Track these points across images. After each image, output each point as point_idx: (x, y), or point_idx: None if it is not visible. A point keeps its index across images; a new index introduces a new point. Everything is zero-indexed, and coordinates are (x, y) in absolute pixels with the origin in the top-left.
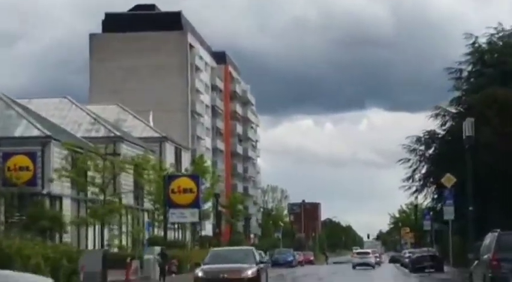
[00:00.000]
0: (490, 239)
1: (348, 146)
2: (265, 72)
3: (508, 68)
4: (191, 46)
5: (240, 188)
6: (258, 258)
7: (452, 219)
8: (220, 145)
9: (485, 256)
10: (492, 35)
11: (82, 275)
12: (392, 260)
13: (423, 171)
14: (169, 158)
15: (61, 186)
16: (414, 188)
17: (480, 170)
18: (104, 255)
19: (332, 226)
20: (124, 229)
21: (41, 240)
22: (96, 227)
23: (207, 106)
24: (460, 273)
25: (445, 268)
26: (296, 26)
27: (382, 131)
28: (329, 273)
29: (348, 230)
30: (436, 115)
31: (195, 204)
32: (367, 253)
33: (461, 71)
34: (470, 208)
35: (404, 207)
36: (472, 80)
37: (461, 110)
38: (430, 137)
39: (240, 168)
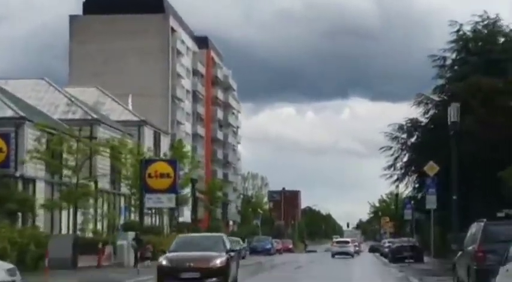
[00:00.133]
0: (475, 229)
1: (330, 134)
2: (248, 60)
3: (492, 57)
4: (173, 30)
5: (220, 175)
6: (228, 246)
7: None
8: (201, 131)
9: (470, 247)
10: (477, 23)
11: (47, 260)
12: (372, 250)
13: (405, 159)
14: (148, 142)
15: (35, 169)
16: (395, 177)
17: (463, 158)
18: (74, 240)
19: (312, 214)
20: (100, 213)
21: (8, 224)
22: (71, 211)
23: (187, 91)
24: (440, 264)
25: (425, 259)
26: (280, 16)
27: (364, 120)
28: (307, 261)
29: (328, 218)
30: (419, 103)
31: (172, 189)
32: (347, 242)
33: (445, 58)
34: (454, 197)
35: (384, 196)
36: (456, 68)
37: (445, 98)
38: (413, 125)
39: (220, 154)
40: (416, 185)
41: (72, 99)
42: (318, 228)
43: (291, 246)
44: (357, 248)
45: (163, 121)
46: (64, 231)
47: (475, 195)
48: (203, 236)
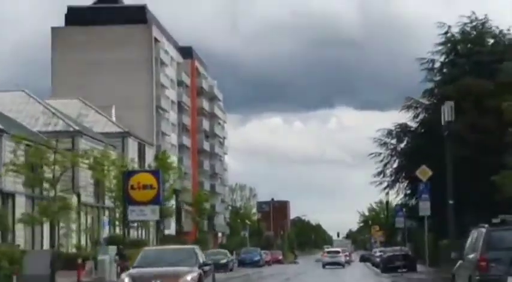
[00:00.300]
0: (476, 235)
1: (317, 144)
2: (233, 70)
3: (481, 58)
4: (156, 40)
5: (207, 186)
6: (201, 259)
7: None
8: (187, 141)
9: (471, 256)
10: (465, 24)
11: (15, 278)
12: (363, 259)
13: (395, 165)
14: (132, 154)
15: (13, 183)
16: (385, 184)
17: (454, 162)
18: (52, 255)
19: (301, 225)
20: (83, 228)
21: None
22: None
23: (172, 102)
24: (435, 272)
25: (419, 268)
26: (265, 26)
27: (351, 129)
28: (296, 273)
29: (318, 228)
30: (408, 107)
31: (156, 201)
32: (338, 252)
33: (433, 61)
34: (451, 202)
35: (374, 205)
36: (444, 70)
37: (434, 101)
38: (402, 130)
39: (206, 165)
40: (408, 191)
41: (53, 111)
42: (308, 238)
43: (280, 257)
44: (348, 258)
45: (148, 132)
46: (46, 246)
47: (467, 201)
48: (172, 249)
